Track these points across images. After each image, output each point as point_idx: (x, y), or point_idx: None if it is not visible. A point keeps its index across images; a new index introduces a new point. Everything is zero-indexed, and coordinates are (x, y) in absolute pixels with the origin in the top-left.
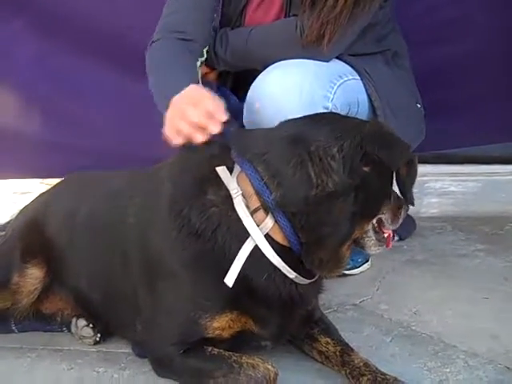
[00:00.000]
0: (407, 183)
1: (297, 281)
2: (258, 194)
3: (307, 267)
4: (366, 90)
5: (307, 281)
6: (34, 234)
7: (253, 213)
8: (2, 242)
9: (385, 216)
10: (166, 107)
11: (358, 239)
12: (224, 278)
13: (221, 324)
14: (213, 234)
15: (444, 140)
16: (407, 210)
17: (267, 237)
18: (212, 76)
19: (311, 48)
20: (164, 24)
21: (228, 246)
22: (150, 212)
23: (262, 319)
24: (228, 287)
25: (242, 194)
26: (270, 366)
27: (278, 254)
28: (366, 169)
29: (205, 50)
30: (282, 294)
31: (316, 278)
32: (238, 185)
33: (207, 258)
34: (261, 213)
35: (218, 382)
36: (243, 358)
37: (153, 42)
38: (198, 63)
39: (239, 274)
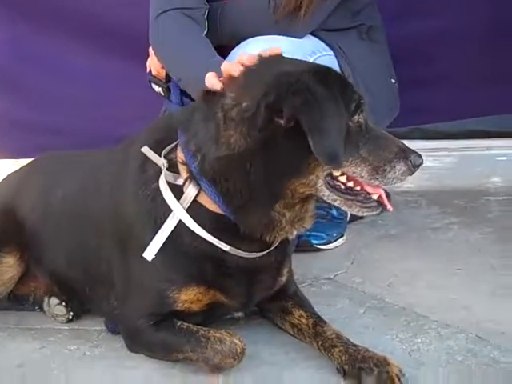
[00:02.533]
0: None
1: (235, 253)
2: (186, 163)
3: (242, 233)
4: (340, 66)
5: (249, 254)
6: (6, 219)
7: (185, 183)
8: None
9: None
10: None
11: (316, 199)
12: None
13: (189, 297)
14: (155, 209)
15: (420, 115)
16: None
17: (200, 207)
18: None
19: (285, 23)
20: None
21: (164, 220)
22: (122, 184)
23: (229, 289)
24: (190, 260)
25: (171, 167)
26: (236, 340)
27: (214, 224)
28: (280, 121)
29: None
30: (231, 264)
31: (271, 249)
32: (177, 157)
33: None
34: (188, 182)
35: (187, 356)
36: (211, 331)
37: (156, 17)
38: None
39: (196, 246)
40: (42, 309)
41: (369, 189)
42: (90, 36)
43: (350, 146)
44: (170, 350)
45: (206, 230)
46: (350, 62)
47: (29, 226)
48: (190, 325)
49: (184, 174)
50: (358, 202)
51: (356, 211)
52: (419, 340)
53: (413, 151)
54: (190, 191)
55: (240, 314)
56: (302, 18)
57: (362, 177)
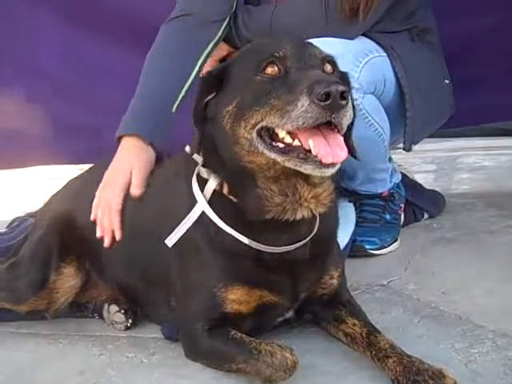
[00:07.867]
0: None
1: (255, 247)
2: None
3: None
4: (393, 68)
5: (274, 249)
6: (68, 228)
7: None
8: (34, 234)
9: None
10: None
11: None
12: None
13: (236, 296)
14: (189, 201)
15: (477, 114)
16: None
17: (222, 198)
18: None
19: (337, 25)
20: (177, 4)
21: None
22: (175, 185)
23: (273, 285)
24: (231, 259)
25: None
26: (287, 354)
27: (234, 215)
28: None
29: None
30: (267, 260)
31: (303, 242)
32: None
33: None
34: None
35: (240, 368)
36: (262, 344)
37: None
38: (211, 45)
39: (225, 243)
40: (100, 316)
41: (306, 144)
42: (143, 43)
43: (259, 96)
44: (224, 360)
45: (225, 221)
46: (402, 62)
47: (89, 234)
48: (244, 336)
49: None
50: (300, 159)
51: (299, 168)
52: (476, 350)
53: (321, 82)
54: (211, 183)
55: (291, 314)
56: (361, 15)
57: (273, 123)
